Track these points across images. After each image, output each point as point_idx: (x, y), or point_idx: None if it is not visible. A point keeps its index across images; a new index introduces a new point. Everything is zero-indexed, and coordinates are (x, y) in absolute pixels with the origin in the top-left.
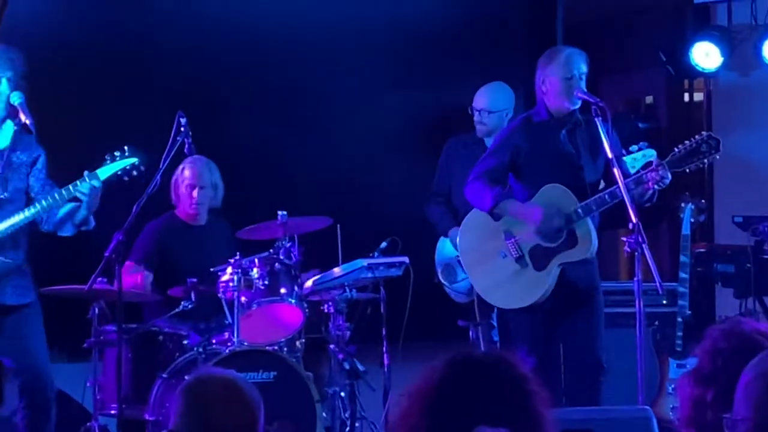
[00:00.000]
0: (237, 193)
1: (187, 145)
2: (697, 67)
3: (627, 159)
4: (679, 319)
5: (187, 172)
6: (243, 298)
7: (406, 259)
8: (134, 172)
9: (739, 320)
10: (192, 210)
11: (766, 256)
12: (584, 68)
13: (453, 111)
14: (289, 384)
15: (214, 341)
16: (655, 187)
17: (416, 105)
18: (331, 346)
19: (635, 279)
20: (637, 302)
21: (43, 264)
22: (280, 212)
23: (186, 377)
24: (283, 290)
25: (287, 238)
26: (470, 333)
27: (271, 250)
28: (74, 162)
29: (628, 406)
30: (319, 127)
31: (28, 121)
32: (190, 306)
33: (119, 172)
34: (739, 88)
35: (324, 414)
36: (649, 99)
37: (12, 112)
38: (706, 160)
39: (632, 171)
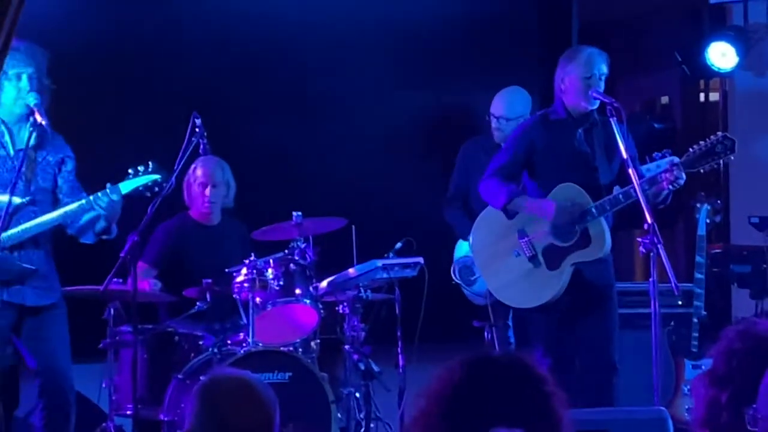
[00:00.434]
0: (252, 193)
1: (202, 146)
2: (712, 67)
3: (651, 165)
4: (695, 320)
5: (199, 171)
6: (258, 299)
7: (420, 260)
8: (156, 188)
9: (755, 321)
10: (205, 209)
11: None
12: (605, 69)
13: (468, 112)
14: (304, 385)
15: (229, 342)
16: (670, 187)
17: (432, 106)
18: (346, 347)
19: (651, 280)
20: (652, 303)
21: (59, 265)
22: (295, 213)
23: (201, 378)
24: (298, 291)
25: (302, 238)
26: (485, 334)
27: (286, 251)
28: (88, 163)
29: (643, 407)
30: (334, 128)
31: (43, 122)
32: (205, 307)
33: (141, 188)
34: (755, 87)
35: (339, 415)
36: (664, 99)
37: (30, 113)
38: (721, 161)
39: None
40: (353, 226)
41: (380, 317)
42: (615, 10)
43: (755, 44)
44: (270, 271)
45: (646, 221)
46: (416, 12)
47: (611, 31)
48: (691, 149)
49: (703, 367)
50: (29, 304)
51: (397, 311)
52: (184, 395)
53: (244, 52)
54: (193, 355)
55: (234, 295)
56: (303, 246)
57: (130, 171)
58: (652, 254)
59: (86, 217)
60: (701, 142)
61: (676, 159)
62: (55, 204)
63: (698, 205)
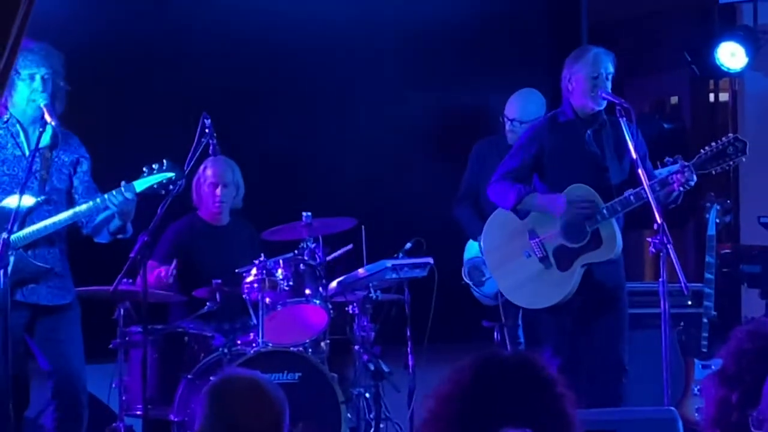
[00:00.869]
0: (262, 194)
1: (211, 147)
2: (722, 67)
3: (662, 171)
4: (705, 320)
5: (209, 171)
6: (267, 299)
7: (430, 260)
8: (170, 186)
9: (765, 321)
10: (215, 208)
11: None
12: (611, 68)
13: (477, 112)
14: (313, 385)
15: (238, 342)
16: (681, 189)
17: (441, 106)
18: (356, 347)
19: (660, 280)
20: (662, 303)
21: (69, 265)
22: (304, 213)
23: (211, 378)
24: (307, 291)
25: (312, 239)
26: (495, 334)
27: (296, 251)
28: (98, 163)
29: (653, 407)
30: (343, 128)
31: (52, 123)
32: (215, 307)
33: (155, 186)
34: (764, 87)
35: (349, 415)
36: (674, 99)
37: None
38: (732, 162)
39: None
40: (363, 227)
41: (390, 317)
42: (624, 10)
43: (765, 44)
44: (280, 271)
45: (656, 221)
46: (425, 12)
47: (620, 32)
48: (702, 151)
49: (713, 367)
50: (44, 303)
51: (406, 311)
52: (193, 395)
53: (254, 53)
54: (203, 355)
55: (244, 296)
56: (313, 246)
57: (144, 169)
58: (661, 254)
59: (101, 216)
60: (712, 144)
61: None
62: (71, 204)
63: (708, 205)
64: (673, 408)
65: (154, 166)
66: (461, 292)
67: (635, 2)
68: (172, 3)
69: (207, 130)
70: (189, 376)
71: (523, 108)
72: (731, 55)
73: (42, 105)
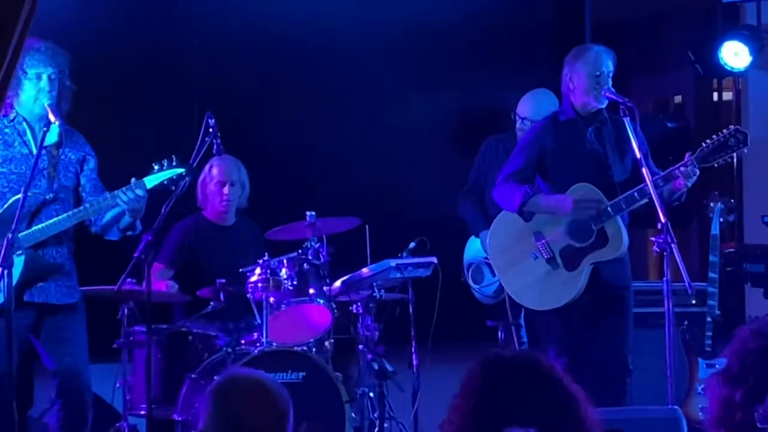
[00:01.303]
0: (266, 193)
1: (215, 146)
2: (726, 67)
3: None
4: (709, 319)
5: (215, 170)
6: (272, 299)
7: (434, 260)
8: (181, 182)
9: None
10: (222, 207)
11: None
12: (611, 67)
13: (481, 111)
14: (317, 384)
15: (242, 342)
16: (685, 183)
17: (444, 105)
18: (360, 347)
19: (664, 279)
20: (666, 302)
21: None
22: (308, 213)
23: (215, 378)
24: (311, 291)
25: (316, 238)
26: (499, 333)
27: (300, 251)
28: (103, 163)
29: (657, 407)
30: (347, 128)
31: (57, 122)
32: (219, 306)
33: (166, 182)
34: None
35: (353, 414)
36: (677, 99)
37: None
38: (734, 154)
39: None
40: (367, 226)
41: (394, 317)
42: (628, 9)
43: None
44: (284, 271)
45: (659, 220)
46: (428, 12)
47: (624, 31)
48: (704, 143)
49: (716, 366)
50: (52, 302)
51: (410, 311)
52: (197, 395)
53: (258, 52)
54: (207, 354)
55: (248, 295)
56: (317, 246)
57: (154, 166)
58: (665, 253)
59: (110, 213)
60: (714, 137)
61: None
62: (78, 203)
63: (712, 204)
64: (677, 407)
65: (163, 162)
66: (465, 292)
67: (639, 2)
68: (176, 2)
69: (211, 130)
70: (193, 376)
71: (536, 108)
72: (735, 55)
73: (46, 104)
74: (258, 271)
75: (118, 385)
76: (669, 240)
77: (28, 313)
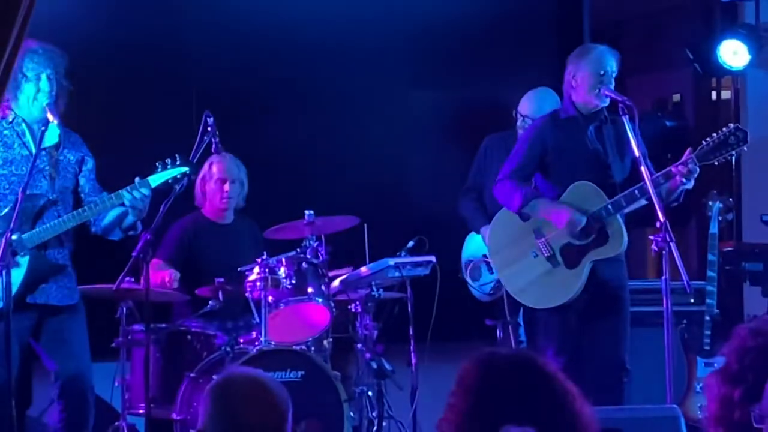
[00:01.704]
0: (264, 192)
1: (214, 145)
2: (724, 65)
3: None
4: (707, 318)
5: (215, 168)
6: (270, 298)
7: (433, 259)
8: (185, 181)
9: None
10: (222, 204)
11: None
12: (615, 67)
13: (480, 110)
14: (316, 383)
15: (241, 341)
16: (683, 180)
17: (443, 104)
18: (359, 346)
19: (663, 278)
20: (664, 301)
21: (72, 264)
22: (307, 212)
23: (213, 377)
24: (310, 289)
25: (314, 237)
26: (497, 332)
27: (298, 250)
28: (102, 162)
29: (656, 405)
30: (346, 127)
31: (55, 121)
32: (217, 305)
33: (170, 181)
34: (766, 85)
35: (351, 413)
36: (676, 97)
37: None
38: (734, 152)
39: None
40: (365, 225)
41: (392, 316)
42: (627, 8)
43: (767, 42)
44: (282, 269)
45: (658, 219)
46: (427, 11)
47: (623, 30)
48: (704, 142)
49: (715, 364)
50: (53, 303)
51: (409, 310)
52: (196, 394)
53: (257, 51)
54: (205, 353)
55: (246, 294)
56: (315, 245)
57: (157, 164)
58: (664, 252)
59: (113, 213)
60: (714, 135)
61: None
62: (77, 203)
63: (710, 203)
64: (675, 406)
65: (167, 161)
66: (463, 291)
67: (638, 1)
68: (175, 1)
69: (209, 129)
70: (192, 375)
71: (538, 106)
72: (733, 53)
73: (44, 104)
74: (256, 269)
75: (116, 384)
76: (668, 239)
77: (30, 314)
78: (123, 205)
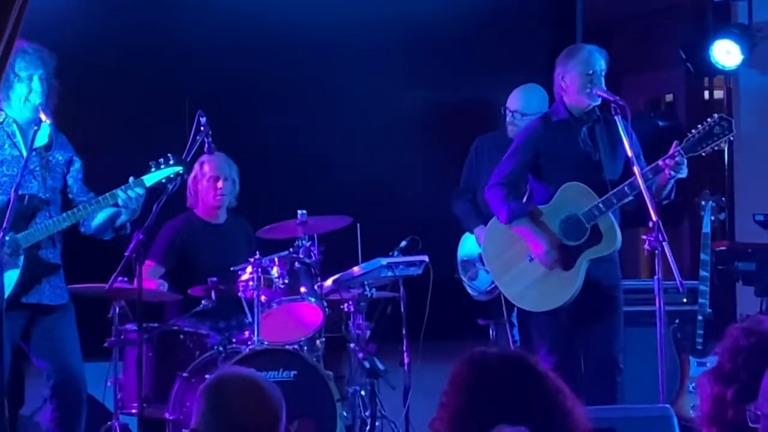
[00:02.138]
0: (257, 192)
1: (207, 145)
2: (717, 65)
3: None
4: (700, 318)
5: (207, 167)
6: (263, 297)
7: (425, 258)
8: (178, 180)
9: (760, 318)
10: (216, 202)
11: None
12: (604, 65)
13: (473, 109)
14: (309, 383)
15: (234, 340)
16: (672, 173)
17: (435, 104)
18: (351, 345)
19: (656, 277)
20: (657, 300)
21: (64, 263)
22: (299, 211)
23: (206, 376)
24: (303, 289)
25: (307, 237)
26: (490, 331)
27: (291, 249)
28: (94, 161)
29: (648, 405)
30: (338, 126)
31: (48, 121)
32: (210, 305)
33: (164, 180)
34: (759, 85)
35: (344, 413)
36: (669, 97)
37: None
38: (720, 142)
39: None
40: (358, 225)
41: (385, 315)
42: (619, 8)
43: (760, 42)
44: (275, 269)
45: (651, 219)
46: (420, 10)
47: (616, 29)
48: (689, 134)
49: (708, 364)
50: (46, 302)
51: (402, 309)
52: (189, 394)
53: (248, 51)
54: (198, 353)
55: (239, 294)
56: (308, 244)
57: (151, 164)
58: (657, 252)
59: (105, 213)
60: (699, 126)
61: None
62: (66, 203)
63: (703, 202)
64: (668, 405)
65: (160, 160)
66: (456, 290)
67: (630, 1)
68: (167, 1)
69: (202, 128)
70: (184, 375)
71: (526, 100)
72: (726, 53)
73: (37, 104)
74: (249, 269)
75: (109, 383)
76: (660, 238)
77: (22, 314)
78: (116, 205)
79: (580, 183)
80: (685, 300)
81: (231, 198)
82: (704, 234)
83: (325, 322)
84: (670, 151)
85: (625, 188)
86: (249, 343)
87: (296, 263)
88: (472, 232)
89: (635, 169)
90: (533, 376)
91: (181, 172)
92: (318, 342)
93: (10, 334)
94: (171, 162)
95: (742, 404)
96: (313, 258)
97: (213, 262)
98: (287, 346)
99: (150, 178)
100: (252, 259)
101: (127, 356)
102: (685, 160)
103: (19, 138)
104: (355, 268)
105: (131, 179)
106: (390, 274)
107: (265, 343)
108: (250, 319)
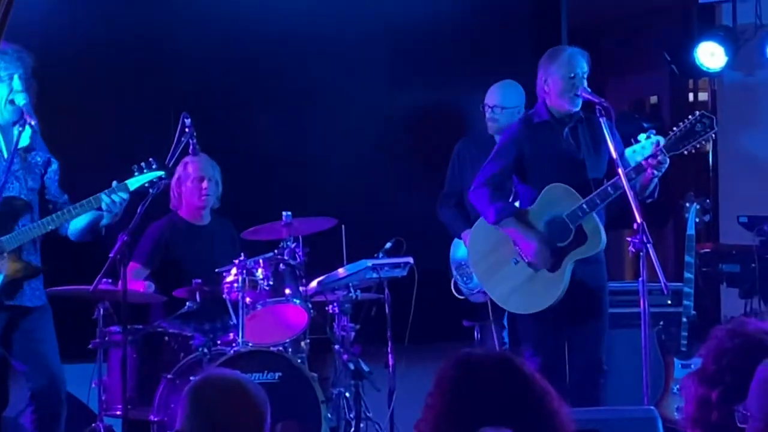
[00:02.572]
0: (241, 193)
1: (191, 146)
2: (701, 67)
3: (636, 147)
4: (684, 319)
5: (191, 168)
6: (248, 299)
7: (410, 260)
8: (161, 184)
9: (744, 320)
10: (201, 202)
11: None
12: (586, 67)
13: (458, 111)
14: (293, 385)
15: (218, 342)
16: (655, 172)
17: (420, 105)
18: (336, 347)
19: (640, 279)
20: (642, 302)
21: (48, 265)
22: (284, 213)
23: (191, 378)
24: (287, 291)
25: (292, 238)
26: (475, 333)
27: (276, 251)
28: (77, 164)
29: (633, 406)
30: (323, 128)
31: (32, 122)
32: (195, 307)
33: (146, 184)
34: (743, 87)
35: (329, 414)
36: (653, 99)
37: (20, 113)
38: (702, 140)
39: (642, 159)
40: (343, 226)
41: (370, 317)
42: (605, 11)
43: (744, 44)
44: (260, 271)
45: (635, 221)
46: (405, 12)
47: (601, 32)
48: (671, 132)
49: (692, 366)
50: (27, 304)
51: (386, 311)
52: (173, 395)
53: (233, 52)
54: (182, 355)
55: (224, 295)
56: (293, 246)
57: (134, 168)
58: (641, 254)
59: (87, 217)
60: (680, 124)
61: (659, 137)
62: (43, 205)
63: (687, 204)
64: (652, 407)
65: (142, 164)
66: (441, 292)
67: (615, 3)
68: (150, 2)
69: (187, 130)
70: (169, 376)
71: (504, 94)
72: (711, 55)
73: (21, 105)
74: (234, 271)
75: (93, 385)
76: (645, 240)
77: (2, 315)
78: (99, 208)
79: (564, 184)
80: (669, 302)
81: (214, 199)
82: (689, 236)
83: (309, 324)
84: (652, 151)
85: (609, 188)
86: (234, 344)
87: (281, 265)
88: (460, 237)
89: (620, 171)
90: (519, 377)
91: (163, 176)
92: (303, 344)
93: None
94: (154, 166)
95: (726, 406)
96: (298, 260)
97: (197, 264)
98: (272, 348)
99: (133, 182)
100: (237, 261)
101: (112, 358)
102: (668, 159)
103: (0, 139)
104: (340, 270)
105: (115, 183)
106: (375, 275)
107: (250, 344)
108: (235, 321)
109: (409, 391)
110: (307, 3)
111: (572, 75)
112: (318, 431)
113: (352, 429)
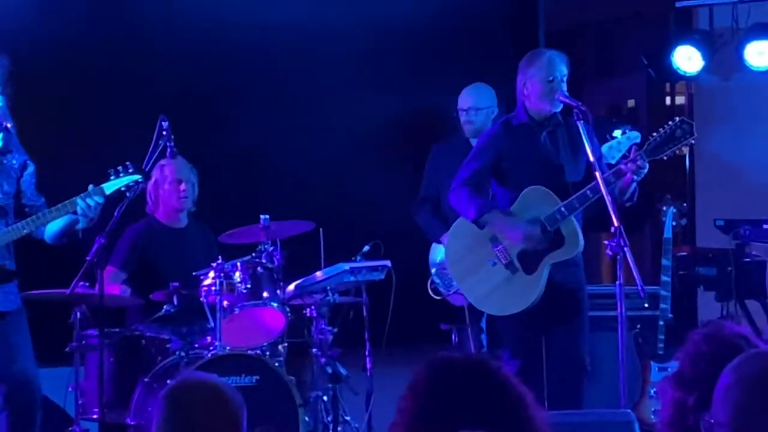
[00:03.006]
0: (219, 196)
1: (169, 149)
2: (678, 71)
3: (612, 143)
4: (661, 323)
5: (167, 170)
6: (225, 302)
7: (388, 263)
8: (137, 188)
9: (721, 324)
10: (179, 204)
11: (747, 260)
12: (565, 70)
13: (434, 115)
14: (271, 388)
15: (196, 345)
16: (634, 177)
17: (399, 108)
18: (314, 350)
19: (617, 282)
20: (619, 305)
21: (25, 268)
22: (262, 216)
23: (168, 381)
24: (265, 294)
25: (270, 242)
26: (453, 336)
27: (254, 254)
28: (55, 167)
29: (610, 410)
30: (301, 131)
31: (8, 125)
32: (172, 310)
33: (123, 188)
34: (720, 91)
35: (306, 418)
36: (631, 103)
37: None
38: (682, 146)
39: (618, 154)
40: (321, 229)
41: (348, 320)
42: (583, 15)
43: (720, 48)
44: (237, 274)
45: (613, 224)
46: (382, 16)
47: (578, 35)
48: (650, 137)
49: (669, 369)
50: (0, 309)
51: (364, 314)
52: (150, 399)
53: (210, 56)
54: (160, 358)
55: (201, 299)
56: (270, 249)
57: (110, 172)
58: (618, 257)
59: (63, 221)
60: (660, 129)
61: (636, 133)
62: (19, 209)
63: (664, 208)
64: (629, 410)
65: (119, 168)
66: (419, 295)
67: (593, 7)
68: (128, 4)
69: (164, 133)
70: (146, 380)
71: (476, 95)
72: (688, 59)
73: None
74: (211, 274)
75: (70, 389)
76: (622, 244)
77: None
78: (75, 212)
79: (542, 187)
80: (646, 305)
81: (190, 201)
82: (665, 239)
83: (287, 327)
84: (631, 155)
85: (587, 192)
86: (211, 348)
87: (259, 268)
88: (439, 242)
89: (597, 174)
90: (495, 381)
91: (140, 180)
92: (280, 347)
93: None
94: (130, 170)
95: (703, 410)
96: (276, 263)
97: (175, 267)
98: (249, 351)
99: (109, 186)
100: (214, 264)
101: (89, 361)
102: (647, 164)
103: None
104: (318, 273)
105: (90, 187)
106: (353, 279)
107: (227, 348)
108: (212, 324)
109: (387, 394)
110: (287, 8)
111: (551, 78)
112: None
113: None
